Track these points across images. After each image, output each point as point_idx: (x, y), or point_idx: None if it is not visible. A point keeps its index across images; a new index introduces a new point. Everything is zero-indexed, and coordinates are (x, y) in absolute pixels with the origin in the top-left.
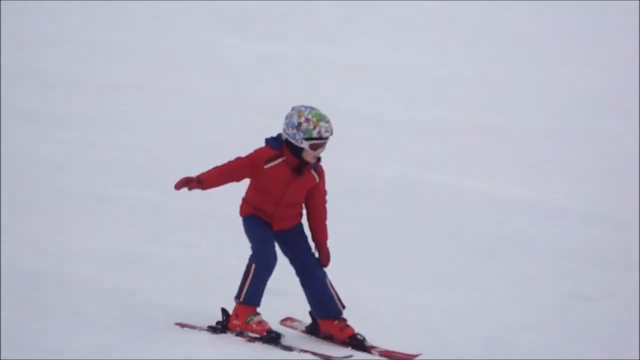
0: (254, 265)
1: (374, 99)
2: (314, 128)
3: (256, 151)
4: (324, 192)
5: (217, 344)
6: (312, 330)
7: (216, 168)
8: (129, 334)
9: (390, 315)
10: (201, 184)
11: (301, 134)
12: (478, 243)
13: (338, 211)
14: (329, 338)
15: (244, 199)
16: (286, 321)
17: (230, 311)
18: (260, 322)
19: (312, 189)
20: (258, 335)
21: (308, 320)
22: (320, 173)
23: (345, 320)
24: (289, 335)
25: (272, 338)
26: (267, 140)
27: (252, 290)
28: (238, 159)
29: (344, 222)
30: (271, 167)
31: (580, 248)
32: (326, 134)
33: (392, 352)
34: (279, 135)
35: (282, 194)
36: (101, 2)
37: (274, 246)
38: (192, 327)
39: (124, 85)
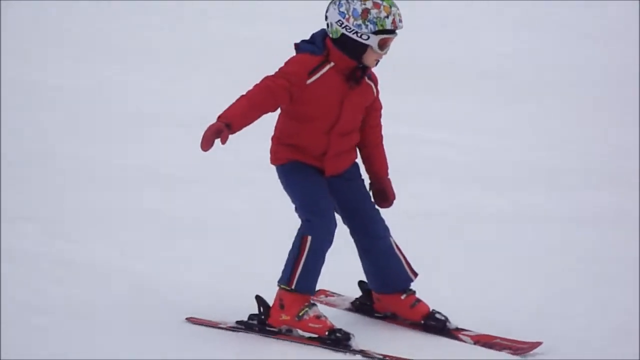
0: (310, 238)
1: None
2: (387, 16)
3: (291, 62)
4: (381, 107)
5: (255, 347)
6: (362, 306)
7: (243, 99)
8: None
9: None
10: (230, 128)
11: (370, 26)
12: None
13: None
14: (391, 318)
15: (274, 139)
16: (319, 295)
17: (270, 302)
18: (319, 317)
19: (369, 106)
20: (316, 335)
21: (349, 292)
22: (375, 82)
23: (414, 292)
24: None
25: (337, 339)
26: (301, 46)
27: (306, 273)
28: (267, 79)
29: None
30: (316, 79)
31: None
32: (400, 25)
33: (495, 337)
34: (317, 34)
35: (336, 115)
36: None
37: (332, 206)
38: (214, 326)
39: None
